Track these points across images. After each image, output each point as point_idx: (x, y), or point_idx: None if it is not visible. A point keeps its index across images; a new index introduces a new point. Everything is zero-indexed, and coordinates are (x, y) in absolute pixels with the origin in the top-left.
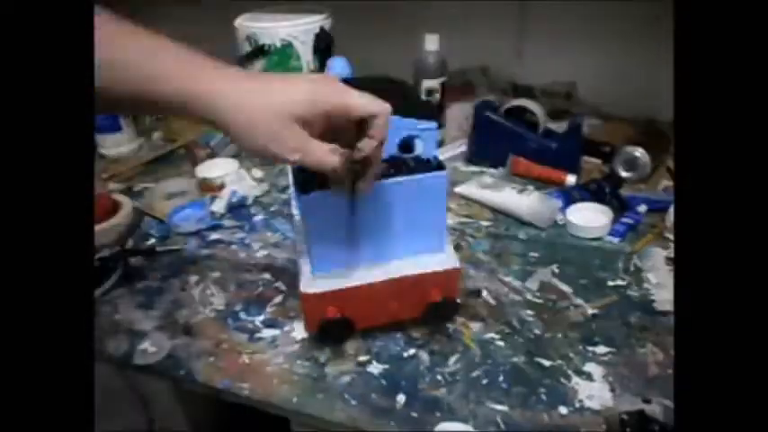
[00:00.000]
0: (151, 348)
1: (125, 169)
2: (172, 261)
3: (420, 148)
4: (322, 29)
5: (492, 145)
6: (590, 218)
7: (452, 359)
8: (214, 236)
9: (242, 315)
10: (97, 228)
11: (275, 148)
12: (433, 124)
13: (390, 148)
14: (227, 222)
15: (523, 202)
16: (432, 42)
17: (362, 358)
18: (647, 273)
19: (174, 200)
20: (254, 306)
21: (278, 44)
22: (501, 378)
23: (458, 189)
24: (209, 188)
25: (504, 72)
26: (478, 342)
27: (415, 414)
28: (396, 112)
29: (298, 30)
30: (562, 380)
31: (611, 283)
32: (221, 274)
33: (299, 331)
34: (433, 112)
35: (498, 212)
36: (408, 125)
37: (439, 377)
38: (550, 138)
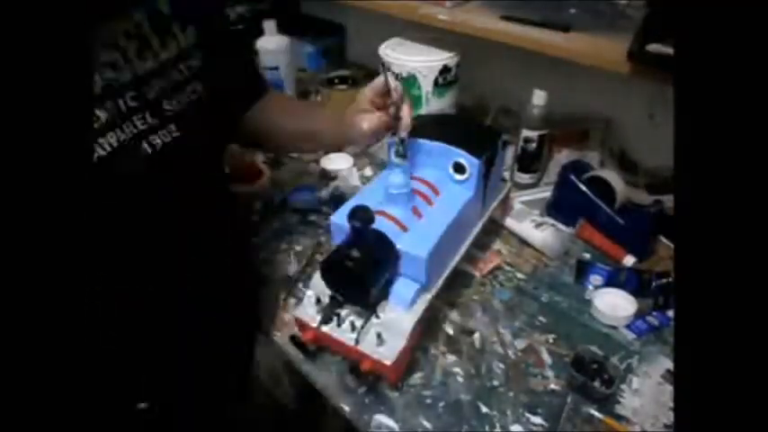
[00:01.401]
0: None
1: None
2: (279, 227)
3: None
4: (445, 66)
5: (568, 204)
6: (614, 304)
7: (417, 375)
8: (312, 217)
9: (300, 285)
10: (243, 188)
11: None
12: (474, 160)
13: (445, 170)
14: (325, 209)
15: (538, 234)
16: (539, 98)
17: None
18: (634, 376)
19: (304, 178)
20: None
21: (404, 74)
22: (442, 404)
23: (507, 222)
24: (326, 177)
25: (632, 133)
26: (444, 371)
27: (366, 401)
28: (449, 140)
29: (422, 65)
30: (487, 428)
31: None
32: (302, 249)
33: None
34: (488, 148)
35: (537, 274)
36: (456, 153)
37: (399, 384)
38: (623, 213)
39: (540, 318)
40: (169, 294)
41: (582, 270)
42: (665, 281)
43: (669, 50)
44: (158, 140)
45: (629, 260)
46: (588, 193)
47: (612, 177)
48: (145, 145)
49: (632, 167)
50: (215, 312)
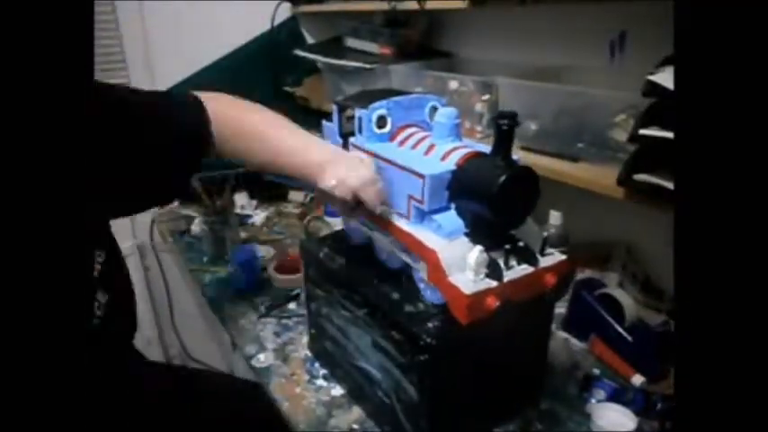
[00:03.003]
0: None
1: None
2: None
3: None
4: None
5: (582, 319)
6: (614, 420)
7: None
8: None
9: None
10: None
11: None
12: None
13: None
14: None
15: None
16: (554, 219)
17: None
18: None
19: None
20: None
21: None
22: None
23: None
24: None
25: (655, 260)
26: None
27: None
28: None
29: None
30: None
31: None
32: None
33: None
34: None
35: None
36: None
37: None
38: (633, 331)
39: (537, 424)
40: None
41: (587, 383)
42: (671, 404)
43: (655, 180)
44: None
45: (637, 379)
46: (599, 309)
47: (622, 295)
48: None
49: (657, 293)
50: None
